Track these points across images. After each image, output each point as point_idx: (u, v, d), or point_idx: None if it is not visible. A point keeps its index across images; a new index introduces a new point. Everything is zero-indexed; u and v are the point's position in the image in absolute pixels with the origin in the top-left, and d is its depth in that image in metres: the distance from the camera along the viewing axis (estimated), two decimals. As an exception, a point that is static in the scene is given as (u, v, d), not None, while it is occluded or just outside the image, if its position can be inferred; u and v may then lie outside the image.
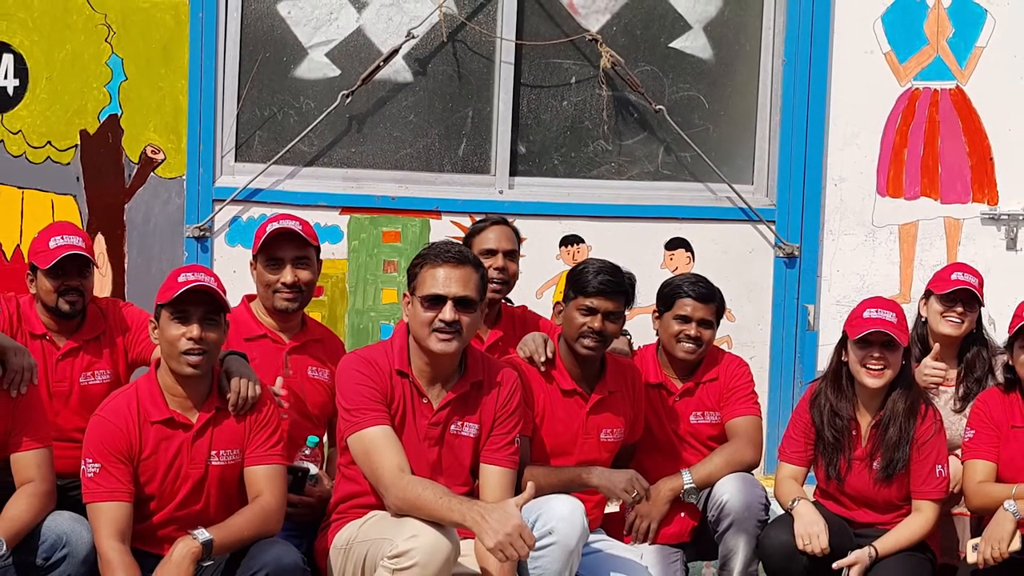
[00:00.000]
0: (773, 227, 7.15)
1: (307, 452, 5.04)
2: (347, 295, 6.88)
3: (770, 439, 6.06)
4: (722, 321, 5.53)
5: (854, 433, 5.21)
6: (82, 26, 6.58)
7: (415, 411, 4.72)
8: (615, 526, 5.37)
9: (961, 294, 5.60)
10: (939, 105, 7.18)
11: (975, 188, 7.24)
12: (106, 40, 6.60)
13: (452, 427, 4.76)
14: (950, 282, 5.62)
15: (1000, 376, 5.41)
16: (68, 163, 6.62)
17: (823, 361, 6.24)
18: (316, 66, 6.87)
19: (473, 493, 4.73)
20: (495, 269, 5.48)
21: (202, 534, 4.40)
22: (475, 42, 6.99)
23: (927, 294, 5.74)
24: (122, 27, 6.59)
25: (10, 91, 6.56)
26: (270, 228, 5.21)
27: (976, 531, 5.21)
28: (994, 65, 7.17)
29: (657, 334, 5.51)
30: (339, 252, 6.82)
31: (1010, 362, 5.23)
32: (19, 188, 6.60)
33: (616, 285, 5.09)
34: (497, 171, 7.01)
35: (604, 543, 5.17)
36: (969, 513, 5.35)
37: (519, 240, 5.74)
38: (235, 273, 6.31)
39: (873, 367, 5.12)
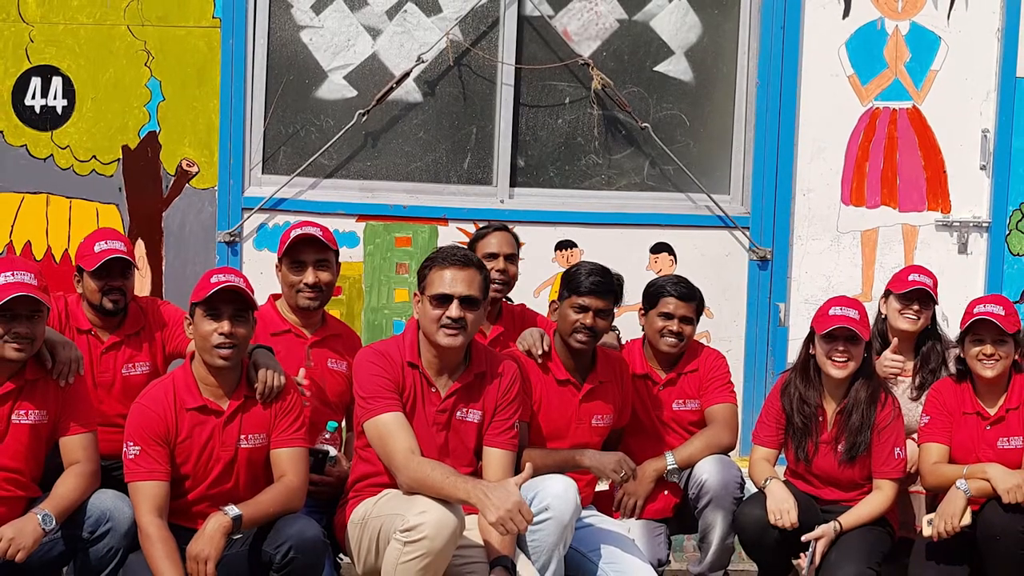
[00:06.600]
0: (748, 233, 7.14)
1: (327, 436, 5.04)
2: (363, 294, 6.88)
3: (745, 424, 6.05)
4: (701, 318, 5.53)
5: (821, 419, 5.21)
6: (124, 52, 6.58)
7: (424, 399, 4.72)
8: (605, 503, 5.37)
9: (917, 293, 5.59)
10: (897, 123, 7.17)
11: (930, 198, 7.22)
12: (145, 64, 6.60)
13: (458, 413, 4.76)
14: (907, 283, 5.61)
15: (952, 367, 5.41)
16: (111, 175, 6.62)
17: (793, 354, 6.23)
18: (335, 87, 6.87)
19: (477, 473, 4.73)
20: (497, 271, 5.47)
21: (232, 510, 4.41)
22: (479, 66, 6.98)
23: (887, 293, 5.73)
24: (160, 52, 6.60)
25: (59, 110, 6.56)
26: (294, 234, 5.21)
27: (931, 507, 5.20)
28: (947, 87, 7.16)
29: (643, 329, 5.51)
30: (356, 255, 6.82)
31: (961, 355, 5.23)
32: (67, 198, 6.60)
33: (606, 285, 5.09)
34: (498, 182, 7.01)
35: (595, 518, 5.17)
36: (924, 491, 5.34)
37: (518, 245, 5.73)
38: (262, 275, 6.31)
39: (838, 359, 5.12)
